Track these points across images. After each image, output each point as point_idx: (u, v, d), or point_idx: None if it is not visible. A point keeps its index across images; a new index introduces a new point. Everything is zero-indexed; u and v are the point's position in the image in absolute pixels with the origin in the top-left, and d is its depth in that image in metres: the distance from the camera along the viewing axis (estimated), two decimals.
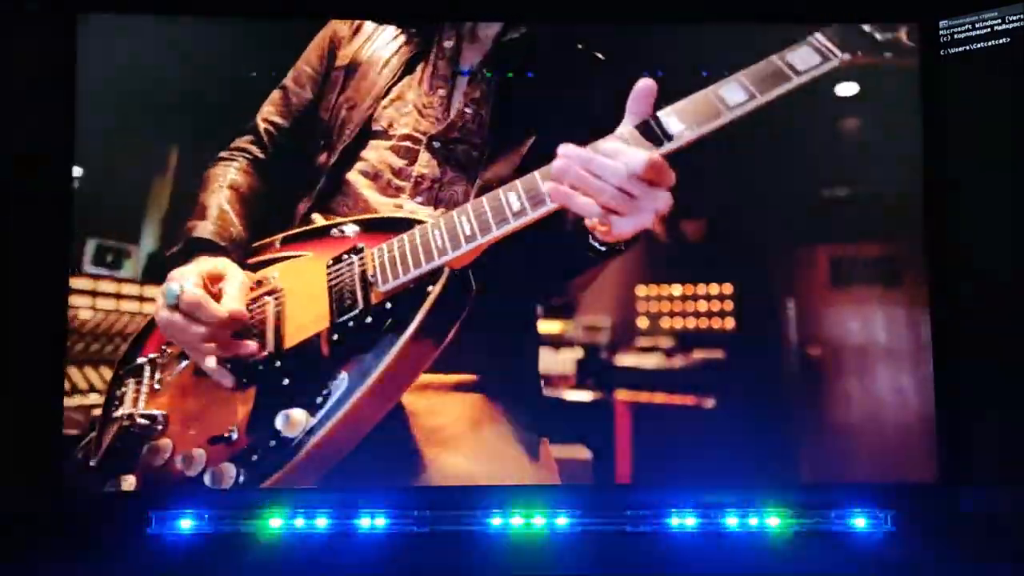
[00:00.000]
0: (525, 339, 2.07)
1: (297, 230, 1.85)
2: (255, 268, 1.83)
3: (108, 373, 2.06)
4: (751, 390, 2.35)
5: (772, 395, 2.37)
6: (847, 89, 2.39)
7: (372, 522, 2.33)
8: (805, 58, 1.62)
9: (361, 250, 1.68)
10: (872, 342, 2.38)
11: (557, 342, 2.34)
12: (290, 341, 1.67)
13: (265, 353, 1.70)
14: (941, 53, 2.42)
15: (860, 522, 2.33)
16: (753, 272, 2.41)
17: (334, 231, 1.73)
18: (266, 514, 2.32)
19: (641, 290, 2.40)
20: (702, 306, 2.39)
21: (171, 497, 2.31)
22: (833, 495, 2.36)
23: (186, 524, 2.31)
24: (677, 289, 2.39)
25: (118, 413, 1.85)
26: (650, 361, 2.38)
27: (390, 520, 2.33)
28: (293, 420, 1.64)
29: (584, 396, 2.35)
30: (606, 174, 1.50)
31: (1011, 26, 2.35)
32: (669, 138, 1.55)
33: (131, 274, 2.21)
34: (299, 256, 1.75)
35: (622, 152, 1.50)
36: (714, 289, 2.39)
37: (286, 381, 1.66)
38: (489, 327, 1.83)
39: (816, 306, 2.38)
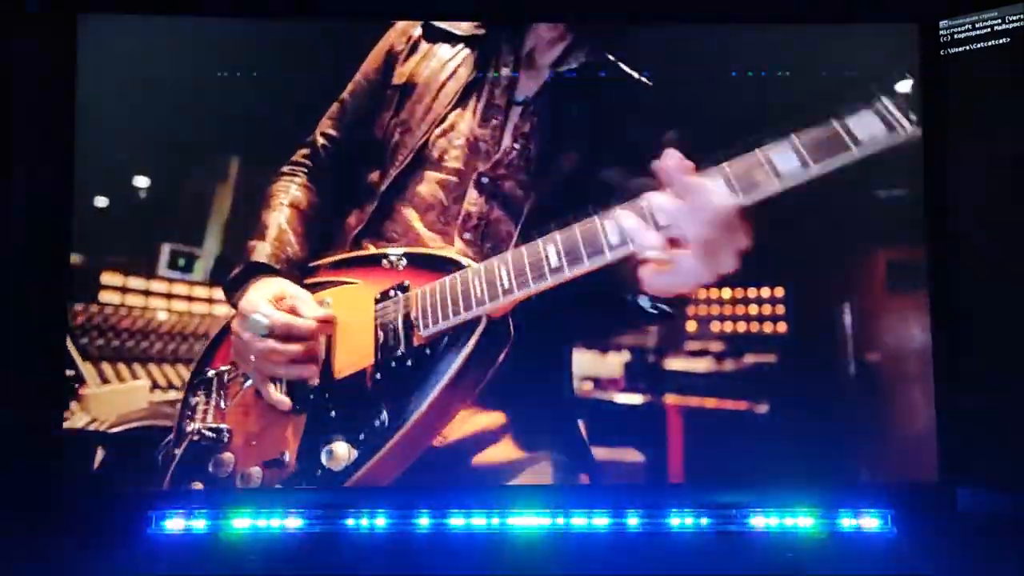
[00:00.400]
0: (562, 376, 2.07)
1: (349, 255, 1.86)
2: (310, 289, 1.87)
3: (184, 371, 2.20)
4: (804, 395, 2.32)
5: (825, 400, 2.33)
6: (904, 86, 2.36)
7: (372, 522, 2.33)
8: (869, 127, 1.54)
9: (407, 288, 1.72)
10: (927, 348, 2.35)
11: (604, 346, 2.32)
12: (339, 373, 1.75)
13: (317, 381, 1.75)
14: (941, 53, 2.42)
15: (861, 522, 2.33)
16: (806, 275, 2.36)
17: (384, 261, 1.76)
18: (266, 514, 2.32)
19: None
20: (753, 310, 2.35)
21: (171, 497, 2.31)
22: (833, 495, 2.35)
23: (186, 524, 2.31)
24: (727, 292, 2.36)
25: (189, 428, 1.94)
26: (700, 365, 2.35)
27: (390, 520, 2.33)
28: (337, 456, 1.77)
29: (634, 399, 2.32)
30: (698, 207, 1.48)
31: (1011, 26, 2.35)
32: None
33: (201, 277, 2.30)
34: (351, 284, 1.78)
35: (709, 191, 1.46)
36: (765, 292, 2.36)
37: (333, 413, 1.75)
38: (526, 366, 1.85)
39: (872, 310, 2.35)
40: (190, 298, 2.31)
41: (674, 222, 1.54)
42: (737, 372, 2.33)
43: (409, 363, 1.71)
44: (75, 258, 2.31)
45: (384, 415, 1.73)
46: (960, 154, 2.38)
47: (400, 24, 2.02)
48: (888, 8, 2.46)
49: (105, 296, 2.30)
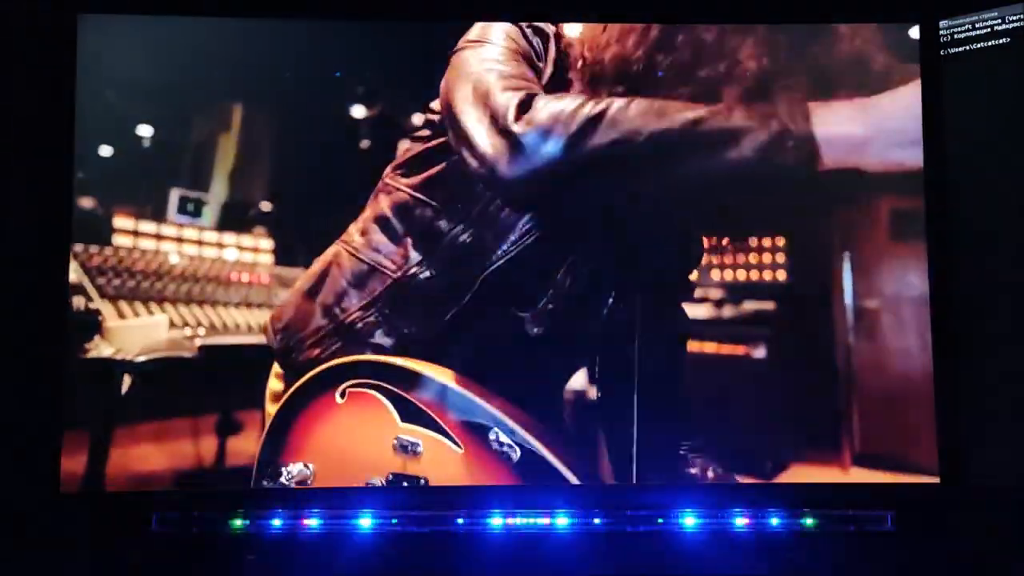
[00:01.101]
0: None
1: (457, 387, 1.77)
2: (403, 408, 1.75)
3: (199, 310, 2.30)
4: (802, 342, 2.31)
5: (824, 349, 2.32)
6: (915, 32, 2.38)
7: (372, 522, 2.33)
8: None
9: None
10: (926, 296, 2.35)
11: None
12: None
13: None
14: (941, 53, 2.42)
15: (860, 522, 2.33)
16: (807, 224, 2.34)
17: (491, 438, 1.67)
18: (266, 514, 2.32)
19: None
20: (753, 258, 2.35)
21: (171, 497, 2.31)
22: (833, 495, 2.35)
23: (187, 524, 2.31)
24: (727, 240, 2.35)
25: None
26: (700, 311, 2.34)
27: (390, 520, 2.33)
28: None
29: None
30: None
31: (1011, 26, 2.35)
32: None
33: (209, 223, 2.39)
34: (452, 447, 1.68)
35: None
36: (767, 241, 2.36)
37: None
38: None
39: (875, 260, 2.35)
40: (200, 242, 2.39)
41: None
42: (737, 318, 2.32)
43: None
44: (87, 202, 2.35)
45: None
46: (960, 154, 2.38)
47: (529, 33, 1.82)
48: (888, 8, 2.46)
49: (118, 239, 2.36)
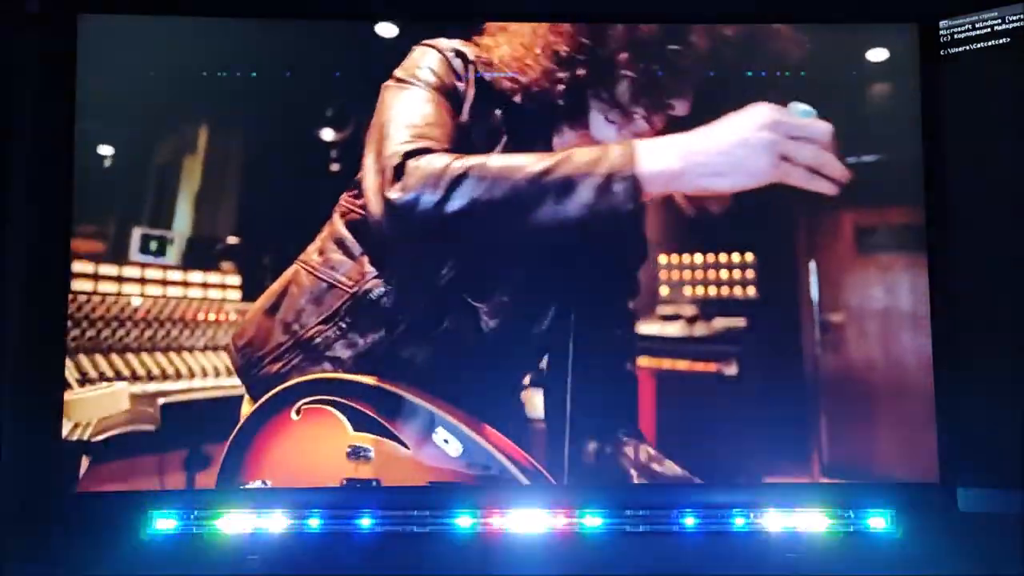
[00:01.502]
0: None
1: (402, 393, 1.83)
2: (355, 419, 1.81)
3: (163, 359, 2.21)
4: (773, 357, 2.35)
5: (793, 363, 2.36)
6: (877, 55, 2.43)
7: (371, 522, 2.32)
8: None
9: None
10: (897, 309, 2.39)
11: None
12: None
13: None
14: (941, 53, 2.42)
15: (861, 522, 2.33)
16: (776, 241, 2.40)
17: (437, 437, 1.75)
18: (267, 514, 2.32)
19: (663, 259, 2.41)
20: (724, 274, 2.40)
21: (171, 497, 2.31)
22: (834, 495, 2.35)
23: (186, 524, 2.31)
24: (699, 258, 2.40)
25: None
26: (672, 329, 2.39)
27: (389, 520, 2.33)
28: None
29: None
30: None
31: (1011, 26, 2.35)
32: None
33: (174, 260, 2.30)
34: (399, 449, 1.78)
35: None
36: (736, 258, 2.40)
37: None
38: None
39: (840, 274, 2.39)
40: (164, 282, 2.29)
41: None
42: (708, 336, 2.37)
43: None
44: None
45: None
46: (960, 154, 2.38)
47: (448, 55, 1.88)
48: (888, 8, 2.46)
49: (77, 285, 2.27)
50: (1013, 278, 2.31)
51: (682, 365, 2.38)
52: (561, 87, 1.82)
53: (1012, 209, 2.32)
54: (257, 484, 1.91)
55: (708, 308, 2.40)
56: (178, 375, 2.27)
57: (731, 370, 2.34)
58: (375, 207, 1.79)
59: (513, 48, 1.84)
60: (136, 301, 2.28)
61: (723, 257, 2.40)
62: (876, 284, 2.42)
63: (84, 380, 2.22)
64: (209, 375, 2.27)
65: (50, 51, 2.36)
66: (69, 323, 2.24)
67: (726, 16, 2.44)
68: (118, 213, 2.35)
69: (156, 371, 2.26)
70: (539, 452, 2.17)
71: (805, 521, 2.35)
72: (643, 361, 2.37)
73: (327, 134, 2.30)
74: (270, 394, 1.91)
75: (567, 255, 1.98)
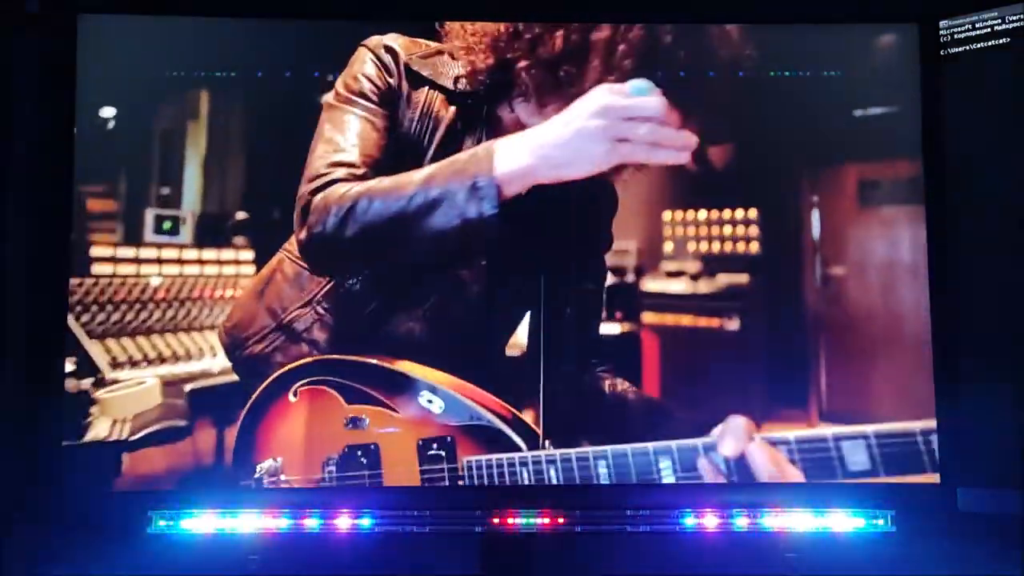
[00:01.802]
0: None
1: (390, 367, 1.86)
2: (347, 394, 1.87)
3: (185, 339, 2.28)
4: (775, 312, 2.37)
5: (796, 317, 2.37)
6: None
7: (371, 522, 2.32)
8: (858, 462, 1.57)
9: (448, 444, 1.80)
10: (900, 262, 2.40)
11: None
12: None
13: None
14: (941, 53, 2.42)
15: (860, 522, 2.33)
16: (779, 195, 2.43)
17: (422, 399, 1.79)
18: (267, 514, 2.32)
19: (667, 215, 2.44)
20: (727, 230, 2.43)
21: (171, 497, 2.31)
22: (833, 495, 2.35)
23: (186, 524, 2.31)
24: (703, 214, 2.43)
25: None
26: (676, 286, 2.42)
27: (389, 520, 2.33)
28: None
29: (614, 329, 2.38)
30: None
31: (1011, 26, 2.35)
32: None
33: (188, 239, 2.34)
34: (388, 410, 1.81)
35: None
36: (740, 213, 2.43)
37: None
38: None
39: (844, 228, 2.40)
40: (180, 261, 2.34)
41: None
42: (712, 292, 2.41)
43: None
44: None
45: None
46: (960, 155, 2.38)
47: (385, 59, 1.87)
48: (888, 8, 2.46)
49: (97, 269, 2.31)
50: (1014, 280, 2.31)
51: (686, 321, 2.41)
52: (491, 67, 1.80)
53: (1012, 209, 2.32)
54: (268, 463, 1.96)
55: (712, 264, 2.43)
56: (201, 354, 2.33)
57: (733, 325, 2.36)
58: (297, 250, 1.87)
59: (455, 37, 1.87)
60: (155, 281, 2.33)
61: (727, 213, 2.42)
62: (878, 238, 2.42)
63: (115, 364, 2.27)
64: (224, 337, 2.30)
65: (50, 51, 2.36)
66: (95, 308, 2.27)
67: (725, 16, 2.45)
68: (128, 198, 2.37)
69: (180, 351, 2.31)
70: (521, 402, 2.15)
71: (805, 521, 2.35)
72: (648, 317, 2.41)
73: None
74: (268, 381, 1.96)
75: (537, 217, 1.95)
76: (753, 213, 2.41)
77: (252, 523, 2.31)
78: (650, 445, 1.79)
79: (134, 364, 2.29)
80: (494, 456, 1.84)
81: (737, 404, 2.17)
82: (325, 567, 2.32)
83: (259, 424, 1.96)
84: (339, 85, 1.86)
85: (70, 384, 2.23)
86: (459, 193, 1.51)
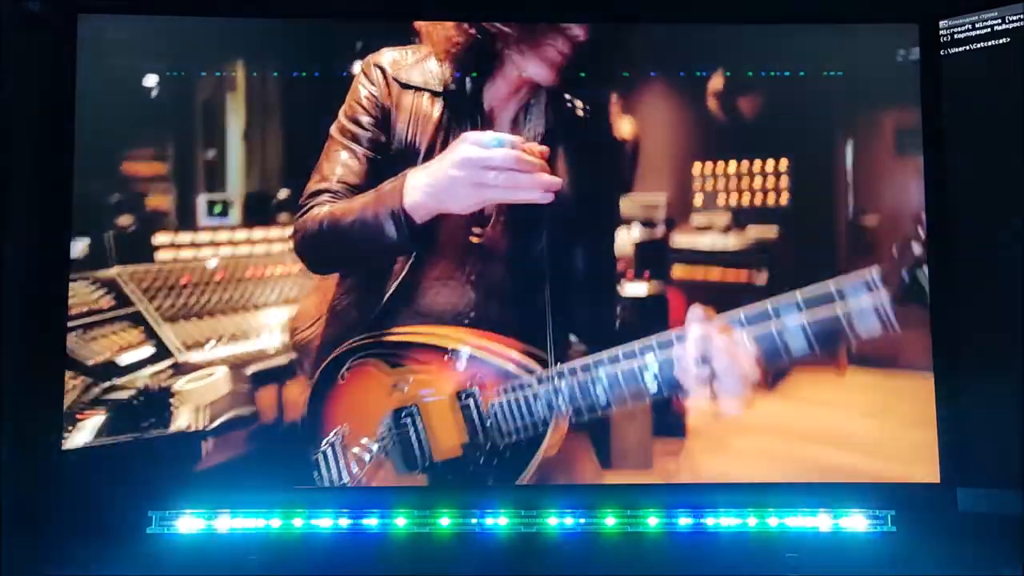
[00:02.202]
0: None
1: (418, 338, 1.98)
2: (391, 359, 1.99)
3: (242, 319, 2.41)
4: (805, 264, 2.34)
5: (823, 269, 2.30)
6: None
7: (370, 522, 2.33)
8: (868, 327, 1.74)
9: (476, 392, 1.94)
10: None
11: (618, 217, 2.39)
12: (438, 456, 1.96)
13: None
14: (941, 53, 2.42)
15: (860, 522, 2.33)
16: (810, 146, 2.44)
17: (447, 355, 1.93)
18: (266, 514, 2.32)
19: (696, 168, 2.45)
20: (757, 182, 2.43)
21: (171, 497, 2.31)
22: (833, 495, 2.35)
23: (186, 524, 2.31)
24: (732, 166, 2.43)
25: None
26: (705, 240, 2.45)
27: (389, 520, 2.33)
28: None
29: (641, 289, 2.42)
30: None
31: (1011, 26, 2.35)
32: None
33: (237, 221, 2.47)
34: (427, 370, 1.96)
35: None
36: (770, 165, 2.43)
37: (448, 476, 1.99)
38: None
39: (879, 176, 2.39)
40: (232, 243, 2.47)
41: (718, 374, 1.76)
42: (742, 244, 2.44)
43: (495, 460, 1.97)
44: (125, 220, 2.40)
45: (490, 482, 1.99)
46: (960, 154, 2.38)
47: (374, 77, 1.99)
48: (888, 8, 2.46)
49: (161, 256, 2.43)
50: (1014, 280, 2.31)
51: (714, 275, 2.43)
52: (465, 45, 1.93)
53: (1013, 209, 2.32)
54: (336, 432, 2.05)
55: (741, 217, 2.44)
56: (258, 333, 2.44)
57: (761, 279, 2.34)
58: None
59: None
60: (212, 264, 2.45)
61: (756, 165, 2.43)
62: (914, 187, 2.40)
63: (186, 346, 2.39)
64: (285, 331, 2.42)
65: (50, 51, 2.36)
66: (162, 293, 2.39)
67: (724, 17, 2.45)
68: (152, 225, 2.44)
69: (239, 331, 2.43)
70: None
71: (805, 521, 2.35)
72: (677, 271, 2.44)
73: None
74: (320, 369, 2.07)
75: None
76: (784, 164, 2.42)
77: (251, 523, 2.32)
78: (636, 343, 1.85)
79: (201, 345, 2.41)
80: (509, 384, 1.93)
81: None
82: (324, 567, 2.32)
83: (321, 405, 2.06)
84: (340, 114, 2.00)
85: (148, 373, 2.32)
86: (382, 220, 1.75)
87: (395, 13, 2.28)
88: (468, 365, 1.96)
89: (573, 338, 2.05)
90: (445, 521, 2.29)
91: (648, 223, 2.42)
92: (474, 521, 2.32)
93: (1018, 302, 2.29)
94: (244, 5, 2.46)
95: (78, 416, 2.24)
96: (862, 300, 1.80)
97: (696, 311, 1.82)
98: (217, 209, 2.43)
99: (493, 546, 2.32)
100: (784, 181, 2.40)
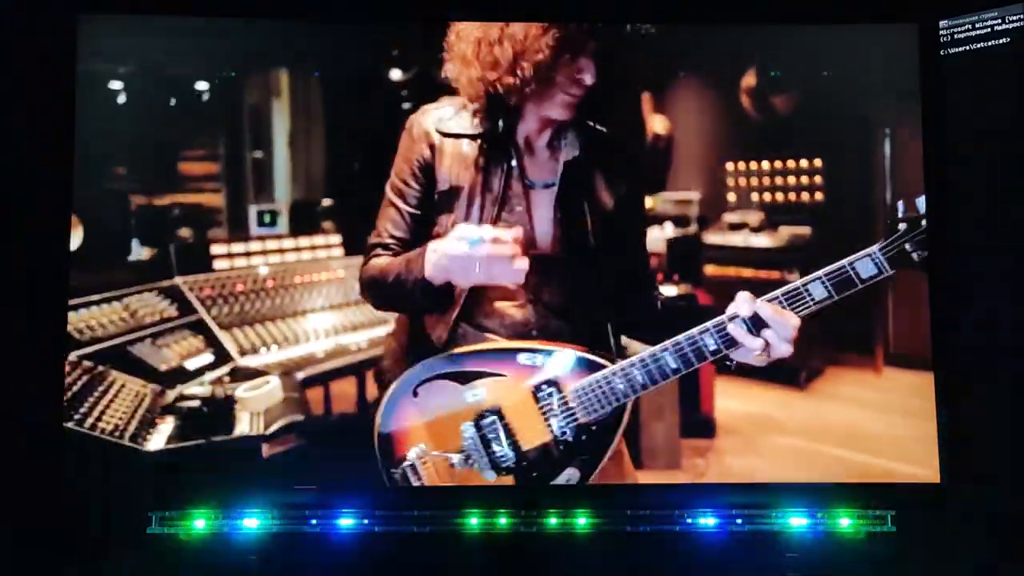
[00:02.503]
0: None
1: (489, 348, 2.10)
2: (459, 379, 2.11)
3: (294, 324, 2.60)
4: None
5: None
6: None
7: (371, 522, 2.33)
8: (869, 271, 1.89)
9: (555, 383, 2.07)
10: None
11: (649, 219, 2.43)
12: (526, 446, 2.08)
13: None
14: (941, 53, 2.42)
15: (860, 522, 2.34)
16: (844, 145, 2.48)
17: (521, 358, 2.07)
18: (266, 514, 2.33)
19: (730, 166, 2.51)
20: (791, 180, 2.49)
21: (171, 497, 2.32)
22: (834, 495, 2.36)
23: (187, 524, 2.31)
24: (766, 164, 2.49)
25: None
26: (738, 238, 2.52)
27: (389, 520, 2.33)
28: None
29: (672, 291, 2.52)
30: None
31: (1011, 26, 2.35)
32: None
33: (284, 230, 2.64)
34: (500, 376, 2.09)
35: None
36: (804, 164, 2.47)
37: (534, 473, 2.08)
38: None
39: (913, 174, 2.40)
40: (281, 251, 2.65)
41: (770, 339, 1.92)
42: (775, 242, 2.51)
43: (582, 438, 2.06)
44: (184, 232, 2.54)
45: (573, 470, 2.08)
46: (960, 154, 2.38)
47: (416, 133, 2.11)
48: (888, 8, 2.46)
49: (218, 264, 2.58)
50: (1014, 280, 2.31)
51: (747, 273, 2.50)
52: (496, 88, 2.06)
53: (1013, 209, 2.32)
54: (415, 450, 2.12)
55: (774, 215, 2.49)
56: (307, 338, 2.61)
57: (794, 277, 2.32)
58: None
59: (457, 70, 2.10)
60: (263, 271, 2.62)
61: (791, 163, 2.48)
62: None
63: (242, 352, 2.51)
64: (331, 335, 2.62)
65: (50, 51, 2.36)
66: (220, 301, 2.55)
67: (723, 17, 2.45)
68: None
69: (291, 336, 2.59)
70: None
71: (805, 521, 2.35)
72: (709, 269, 2.52)
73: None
74: (390, 391, 2.16)
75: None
76: (818, 162, 2.46)
77: (252, 523, 2.32)
78: (695, 329, 1.98)
79: (255, 350, 2.53)
80: (590, 377, 2.03)
81: (801, 350, 2.10)
82: (323, 566, 2.32)
83: (392, 422, 2.15)
84: (392, 173, 2.14)
85: (211, 380, 2.43)
86: (410, 286, 2.02)
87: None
88: (541, 365, 2.07)
89: (624, 340, 2.17)
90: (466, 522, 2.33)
91: (681, 221, 2.53)
92: (474, 521, 2.33)
93: (1019, 302, 2.30)
94: (244, 5, 2.47)
95: (158, 420, 2.35)
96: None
97: (742, 294, 1.96)
98: (267, 218, 2.61)
99: (491, 547, 2.33)
100: (818, 179, 2.46)
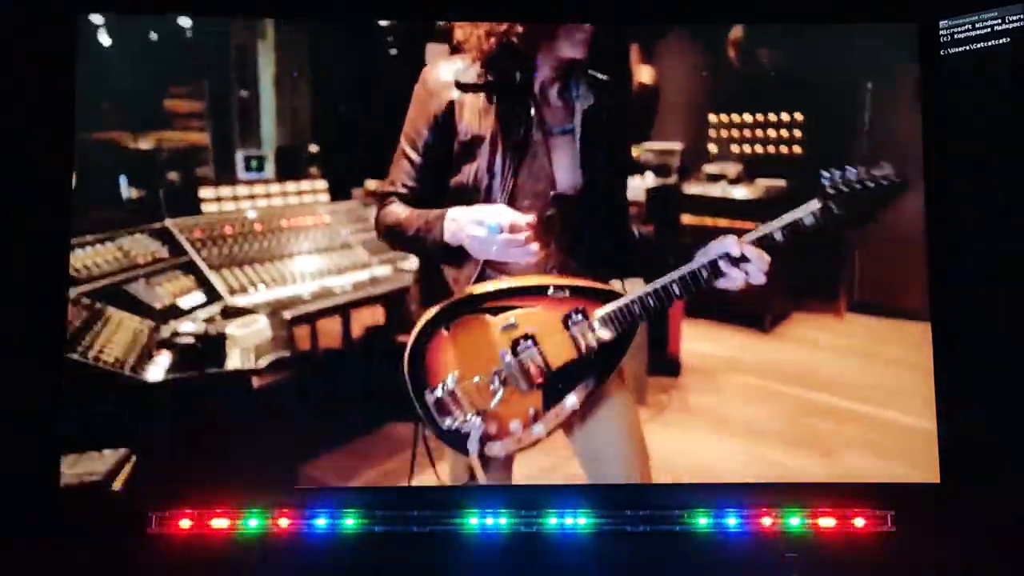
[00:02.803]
0: None
1: (518, 284, 2.21)
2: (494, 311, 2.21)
3: (281, 266, 2.70)
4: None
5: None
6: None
7: (370, 522, 2.33)
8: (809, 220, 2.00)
9: (583, 311, 2.19)
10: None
11: (631, 168, 2.46)
12: (555, 364, 2.20)
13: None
14: (941, 53, 2.42)
15: (860, 522, 2.34)
16: (827, 99, 2.51)
17: (551, 292, 2.20)
18: (266, 514, 2.33)
19: (712, 118, 2.56)
20: (772, 133, 2.51)
21: (171, 497, 2.32)
22: (833, 495, 2.36)
23: (186, 524, 2.31)
24: (748, 117, 2.53)
25: (446, 425, 2.25)
26: (716, 189, 2.57)
27: (390, 520, 2.33)
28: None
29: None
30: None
31: (1011, 26, 2.35)
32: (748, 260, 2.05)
33: (271, 175, 2.76)
34: (531, 308, 2.20)
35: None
36: (785, 117, 2.50)
37: (560, 386, 2.20)
38: None
39: (894, 127, 2.45)
40: (268, 195, 2.76)
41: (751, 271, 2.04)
42: (753, 194, 2.55)
43: (601, 356, 2.19)
44: (173, 175, 2.62)
45: (591, 379, 2.20)
46: (960, 154, 2.38)
47: (432, 86, 2.15)
48: (888, 8, 2.46)
49: (206, 208, 2.67)
50: (1013, 282, 2.31)
51: (723, 223, 2.55)
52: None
53: (1013, 208, 2.32)
54: (452, 377, 2.22)
55: (753, 168, 2.53)
56: (294, 279, 2.71)
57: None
58: None
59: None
60: (251, 215, 2.72)
61: (772, 116, 2.51)
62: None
63: (232, 291, 2.61)
64: (317, 278, 2.73)
65: (50, 51, 2.36)
66: (209, 243, 2.64)
67: (724, 17, 2.46)
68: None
69: (278, 277, 2.69)
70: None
71: (806, 521, 2.35)
72: (686, 218, 2.60)
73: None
74: (417, 328, 2.23)
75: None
76: (799, 116, 2.49)
77: (252, 523, 2.32)
78: (692, 263, 2.07)
79: (244, 290, 2.64)
80: (613, 304, 2.15)
81: (768, 294, 2.22)
82: (323, 567, 2.32)
83: (423, 354, 2.23)
84: (407, 123, 2.19)
85: (204, 317, 2.53)
86: (429, 242, 2.13)
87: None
88: (568, 296, 2.18)
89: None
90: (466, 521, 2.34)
91: (662, 171, 2.58)
92: (474, 521, 2.34)
93: (1018, 301, 2.30)
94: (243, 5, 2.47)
95: (155, 353, 2.43)
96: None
97: (729, 236, 2.07)
98: (253, 164, 2.70)
99: (491, 546, 2.33)
100: (798, 133, 2.49)
